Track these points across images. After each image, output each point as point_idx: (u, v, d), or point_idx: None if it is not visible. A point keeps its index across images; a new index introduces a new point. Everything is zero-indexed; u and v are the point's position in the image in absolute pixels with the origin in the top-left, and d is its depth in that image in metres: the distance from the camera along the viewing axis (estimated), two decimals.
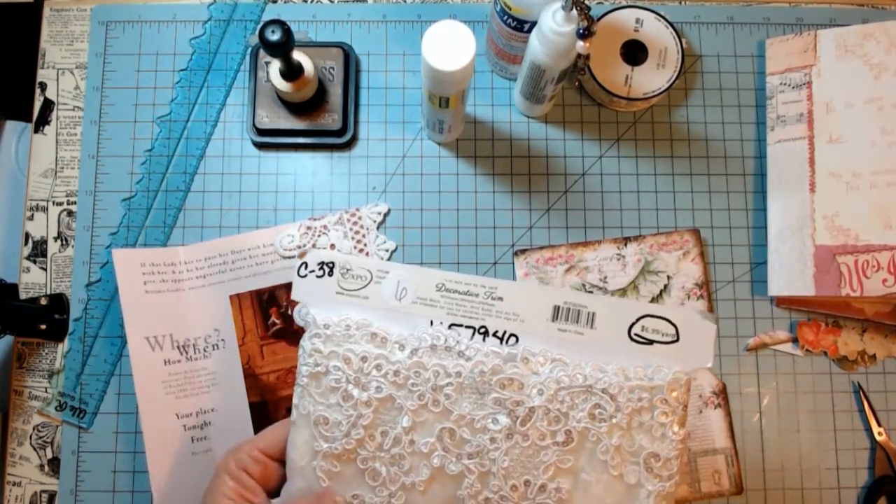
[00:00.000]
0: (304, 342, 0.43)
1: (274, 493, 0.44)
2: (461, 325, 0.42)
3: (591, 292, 0.59)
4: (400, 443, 0.41)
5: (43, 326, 0.57)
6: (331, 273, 0.43)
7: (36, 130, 0.61)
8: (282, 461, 0.44)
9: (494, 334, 0.42)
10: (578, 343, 0.42)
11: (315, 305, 0.43)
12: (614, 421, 0.40)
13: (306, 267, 0.44)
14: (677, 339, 0.41)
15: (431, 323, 0.42)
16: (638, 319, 0.42)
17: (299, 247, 0.58)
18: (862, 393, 0.58)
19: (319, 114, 0.59)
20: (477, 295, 0.42)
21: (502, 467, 0.41)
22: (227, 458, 0.44)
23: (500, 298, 0.42)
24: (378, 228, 0.59)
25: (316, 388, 0.42)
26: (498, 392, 0.41)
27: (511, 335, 0.42)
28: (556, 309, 0.42)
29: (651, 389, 0.40)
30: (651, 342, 0.41)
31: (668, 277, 0.59)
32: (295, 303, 0.44)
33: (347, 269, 0.43)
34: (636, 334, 0.42)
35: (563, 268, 0.59)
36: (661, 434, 0.40)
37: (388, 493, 0.41)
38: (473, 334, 0.42)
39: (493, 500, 0.41)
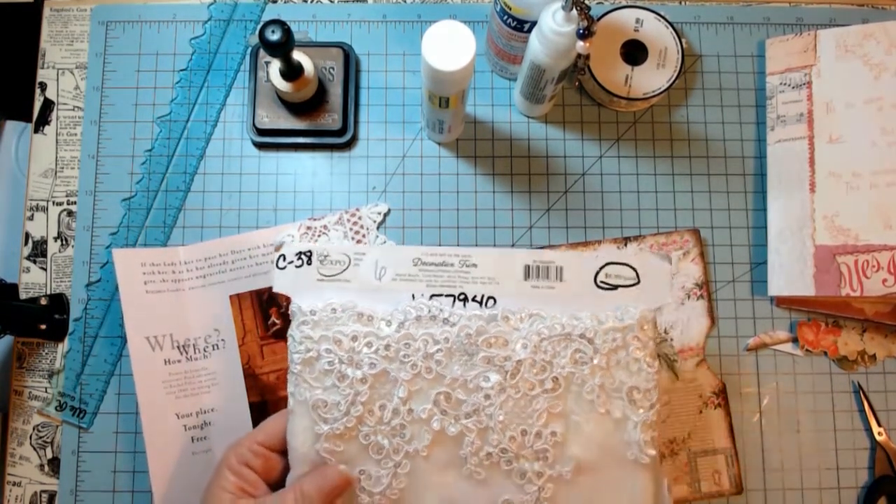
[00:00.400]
0: (293, 331, 0.44)
1: (277, 484, 0.44)
2: (441, 295, 0.45)
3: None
4: (399, 413, 0.43)
5: (43, 326, 0.57)
6: (309, 262, 0.45)
7: (36, 130, 0.61)
8: (283, 451, 0.44)
9: (473, 299, 0.45)
10: (551, 296, 0.45)
11: (298, 295, 0.45)
12: (595, 362, 0.44)
13: (284, 259, 0.45)
14: (638, 282, 0.45)
15: (413, 297, 0.45)
16: (601, 268, 0.45)
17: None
18: (862, 393, 0.58)
19: (319, 114, 0.59)
20: (452, 265, 0.45)
21: (499, 421, 0.43)
22: (228, 453, 0.44)
23: (475, 265, 0.45)
24: (378, 228, 0.59)
25: (310, 373, 0.43)
26: (485, 351, 0.43)
27: (489, 298, 0.45)
28: (527, 268, 0.45)
29: (623, 329, 0.44)
30: (615, 287, 0.45)
31: None
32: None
33: (325, 256, 0.45)
34: (601, 281, 0.45)
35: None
36: (638, 368, 0.44)
37: (392, 464, 0.43)
38: (454, 301, 0.45)
39: (494, 454, 0.43)
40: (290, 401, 0.44)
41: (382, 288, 0.45)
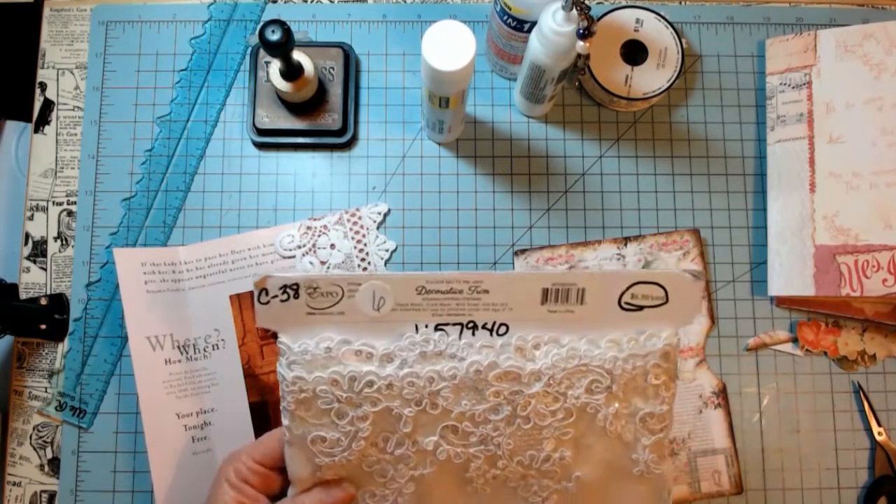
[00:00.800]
0: (283, 370, 0.41)
1: (278, 497, 0.44)
2: (448, 324, 0.41)
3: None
4: (403, 444, 0.41)
5: (43, 326, 0.57)
6: (296, 295, 0.40)
7: (36, 130, 0.61)
8: (281, 469, 0.43)
9: (484, 327, 0.41)
10: (570, 321, 0.41)
11: (285, 330, 0.41)
12: (611, 391, 0.41)
13: (267, 293, 0.40)
14: (666, 301, 0.41)
15: (417, 328, 0.41)
16: (628, 288, 0.41)
17: (299, 247, 0.58)
18: (862, 393, 0.58)
19: (319, 114, 0.59)
20: (461, 291, 0.41)
21: (507, 449, 0.41)
22: (226, 466, 0.43)
23: (486, 291, 0.41)
24: (378, 228, 0.59)
25: (305, 411, 0.41)
26: (496, 385, 0.41)
27: (501, 325, 0.41)
28: (545, 291, 0.41)
29: (644, 356, 0.41)
30: (641, 308, 0.41)
31: None
32: None
33: (315, 288, 0.40)
34: (626, 303, 0.41)
35: (563, 268, 0.59)
36: (655, 394, 0.41)
37: (397, 486, 0.42)
38: (462, 330, 0.41)
39: (500, 476, 0.42)
40: (287, 433, 0.41)
41: (382, 319, 0.41)
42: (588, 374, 0.41)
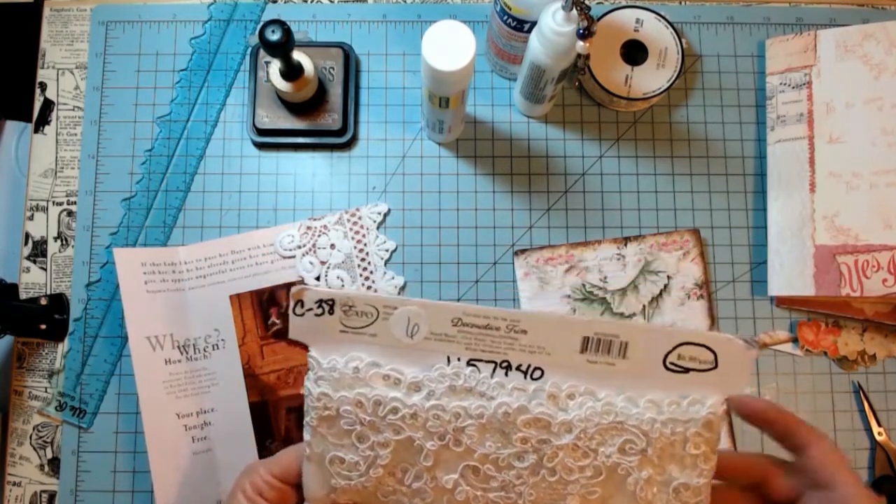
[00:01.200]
0: (310, 385, 0.40)
1: None
2: (481, 360, 0.39)
3: (591, 291, 0.59)
4: (421, 478, 0.40)
5: (43, 326, 0.57)
6: (331, 311, 0.39)
7: (36, 130, 0.61)
8: (298, 485, 0.43)
9: (518, 368, 0.39)
10: (609, 374, 0.39)
11: (316, 344, 0.40)
12: (646, 455, 0.39)
13: (302, 305, 0.39)
14: (715, 367, 0.38)
15: (448, 360, 0.39)
16: (675, 347, 0.39)
17: (299, 246, 0.58)
18: (862, 393, 0.58)
19: (319, 114, 0.59)
20: (498, 329, 0.39)
21: (529, 500, 0.39)
22: (243, 479, 0.43)
23: (524, 332, 0.39)
24: (378, 228, 0.59)
25: (328, 429, 0.40)
26: (523, 431, 0.39)
27: (536, 368, 0.39)
28: (586, 340, 0.39)
29: (685, 422, 0.38)
30: (687, 370, 0.39)
31: (668, 277, 0.59)
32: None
33: (350, 307, 0.39)
34: (672, 363, 0.39)
35: (563, 268, 0.59)
36: (693, 464, 0.39)
37: None
38: (495, 369, 0.39)
39: None
40: (307, 448, 0.41)
41: (414, 346, 0.39)
42: (623, 432, 0.39)
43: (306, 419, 0.40)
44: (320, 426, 0.40)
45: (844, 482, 0.36)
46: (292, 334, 0.40)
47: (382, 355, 0.40)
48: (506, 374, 0.39)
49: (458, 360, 0.39)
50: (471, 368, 0.39)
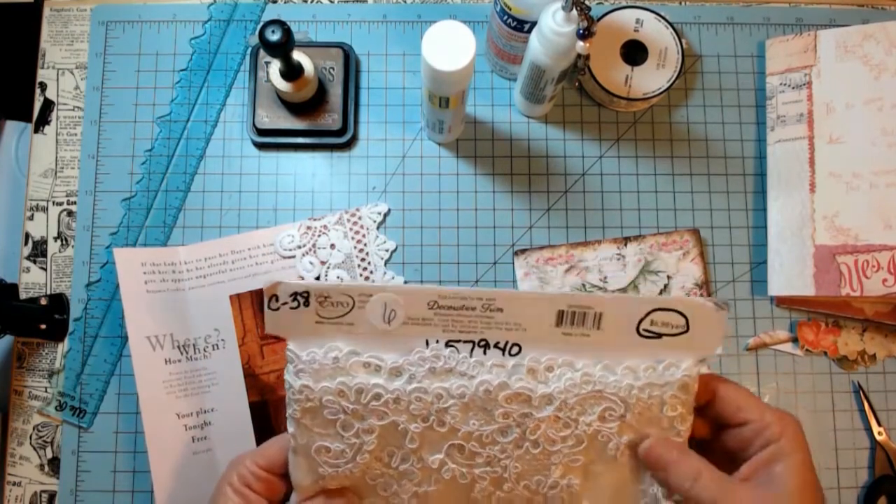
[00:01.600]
0: (290, 378, 0.40)
1: (282, 501, 0.44)
2: (459, 341, 0.40)
3: (591, 291, 0.59)
4: (408, 460, 0.41)
5: (43, 326, 0.57)
6: (307, 303, 0.40)
7: (36, 130, 0.61)
8: (285, 475, 0.43)
9: (496, 345, 0.40)
10: (585, 345, 0.40)
11: (294, 337, 0.40)
12: (625, 420, 0.40)
13: (277, 300, 0.39)
14: (687, 330, 0.39)
15: (427, 343, 0.40)
16: (647, 314, 0.40)
17: (299, 246, 0.58)
18: (862, 393, 0.58)
19: (319, 114, 0.59)
20: (474, 308, 0.39)
21: (514, 472, 0.40)
22: (230, 471, 0.43)
23: (500, 310, 0.39)
24: (378, 228, 0.59)
25: (311, 420, 0.40)
26: (505, 407, 0.40)
27: (514, 345, 0.40)
28: (561, 314, 0.40)
29: (662, 386, 0.39)
30: (660, 335, 0.40)
31: (668, 277, 0.59)
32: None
33: (325, 297, 0.39)
34: (645, 329, 0.40)
35: (563, 268, 0.59)
36: (670, 426, 0.40)
37: (400, 502, 0.41)
38: (473, 348, 0.40)
39: (505, 499, 0.41)
40: (292, 440, 0.41)
41: (392, 333, 0.40)
42: (602, 400, 0.40)
43: (289, 412, 0.40)
44: (304, 418, 0.40)
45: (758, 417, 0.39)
46: (269, 329, 0.40)
47: (361, 343, 0.40)
48: (484, 353, 0.40)
49: (437, 342, 0.40)
50: (450, 349, 0.40)
